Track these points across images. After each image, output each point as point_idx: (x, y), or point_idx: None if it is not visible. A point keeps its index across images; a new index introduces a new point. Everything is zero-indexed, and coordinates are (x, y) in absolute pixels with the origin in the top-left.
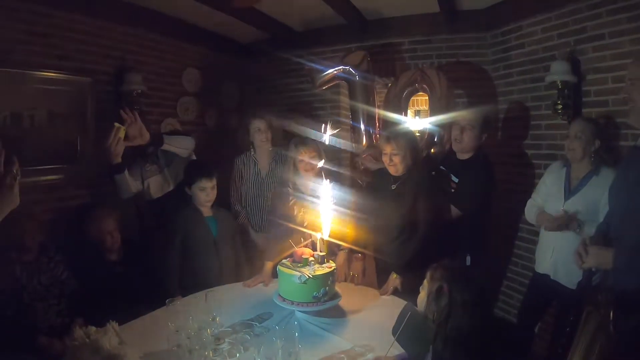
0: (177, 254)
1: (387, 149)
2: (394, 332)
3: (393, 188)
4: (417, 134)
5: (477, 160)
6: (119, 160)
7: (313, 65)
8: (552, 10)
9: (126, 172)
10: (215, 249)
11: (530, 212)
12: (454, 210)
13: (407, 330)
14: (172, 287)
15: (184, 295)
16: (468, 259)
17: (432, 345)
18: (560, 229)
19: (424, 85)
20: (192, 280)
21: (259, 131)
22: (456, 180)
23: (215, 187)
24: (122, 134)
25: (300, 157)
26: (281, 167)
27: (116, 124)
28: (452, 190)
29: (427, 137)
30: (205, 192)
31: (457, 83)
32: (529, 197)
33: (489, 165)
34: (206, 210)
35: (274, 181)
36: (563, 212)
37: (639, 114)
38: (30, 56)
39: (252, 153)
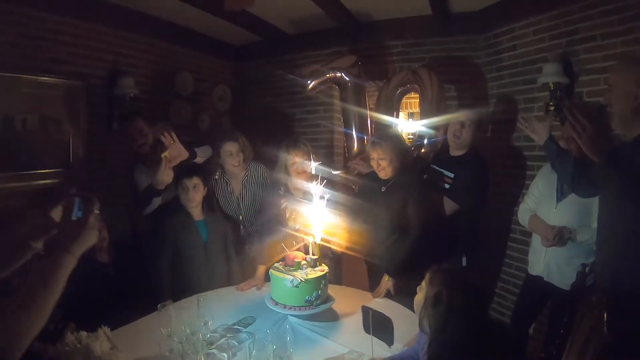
0: (168, 258)
1: (374, 154)
2: (366, 330)
3: (383, 190)
4: (410, 136)
5: (472, 157)
6: (163, 187)
7: (296, 77)
8: (543, 12)
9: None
10: (205, 253)
11: (523, 216)
12: (451, 205)
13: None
14: (162, 291)
15: (174, 300)
16: (464, 259)
17: (428, 350)
18: (557, 244)
19: (415, 86)
20: (183, 284)
21: (231, 155)
22: (451, 175)
23: (199, 187)
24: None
25: (291, 160)
26: (255, 181)
27: (162, 155)
28: (447, 186)
29: (419, 139)
30: (186, 192)
31: (449, 84)
32: (522, 198)
33: (483, 162)
34: (197, 214)
35: (249, 198)
36: (554, 229)
37: (619, 119)
38: (23, 60)
39: (222, 174)
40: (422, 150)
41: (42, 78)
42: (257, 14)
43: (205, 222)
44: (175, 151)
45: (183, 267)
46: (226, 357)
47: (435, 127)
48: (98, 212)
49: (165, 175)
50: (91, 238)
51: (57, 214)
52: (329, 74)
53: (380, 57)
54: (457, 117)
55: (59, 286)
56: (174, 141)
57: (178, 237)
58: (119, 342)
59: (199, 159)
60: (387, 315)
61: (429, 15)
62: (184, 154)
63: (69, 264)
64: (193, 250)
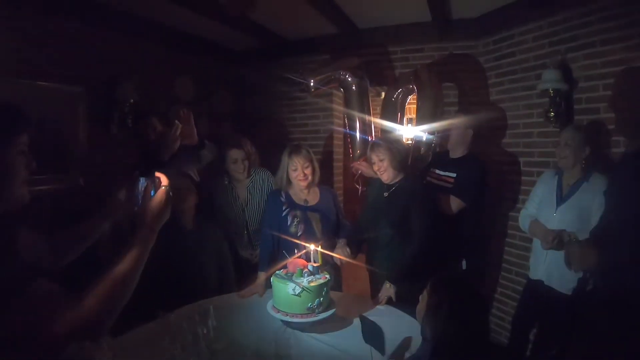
0: (159, 267)
1: (373, 157)
2: (366, 340)
3: (386, 196)
4: (409, 142)
5: (471, 158)
6: (165, 158)
7: (300, 79)
8: (543, 18)
9: None
10: (194, 263)
11: (523, 221)
12: (456, 202)
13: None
14: (155, 300)
15: (168, 309)
16: (464, 263)
17: (430, 359)
18: (556, 247)
19: (413, 86)
20: (174, 293)
21: (236, 162)
22: (453, 175)
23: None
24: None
25: (292, 167)
26: (260, 188)
27: (177, 122)
28: (450, 186)
29: (417, 143)
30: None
31: (448, 90)
32: (521, 204)
33: (481, 164)
34: (189, 224)
35: (253, 204)
36: (553, 232)
37: (627, 125)
38: (22, 64)
39: (227, 182)
40: (422, 150)
41: (41, 83)
42: (257, 20)
43: (196, 232)
44: (186, 130)
45: (173, 277)
46: None
47: (432, 132)
48: (169, 187)
49: (173, 142)
50: (167, 213)
51: (122, 194)
52: (333, 75)
53: (379, 63)
54: (453, 122)
55: (144, 263)
56: (189, 120)
57: (168, 245)
58: (120, 350)
59: (206, 152)
60: (386, 322)
61: (428, 21)
62: (194, 138)
63: (153, 240)
64: (182, 259)
